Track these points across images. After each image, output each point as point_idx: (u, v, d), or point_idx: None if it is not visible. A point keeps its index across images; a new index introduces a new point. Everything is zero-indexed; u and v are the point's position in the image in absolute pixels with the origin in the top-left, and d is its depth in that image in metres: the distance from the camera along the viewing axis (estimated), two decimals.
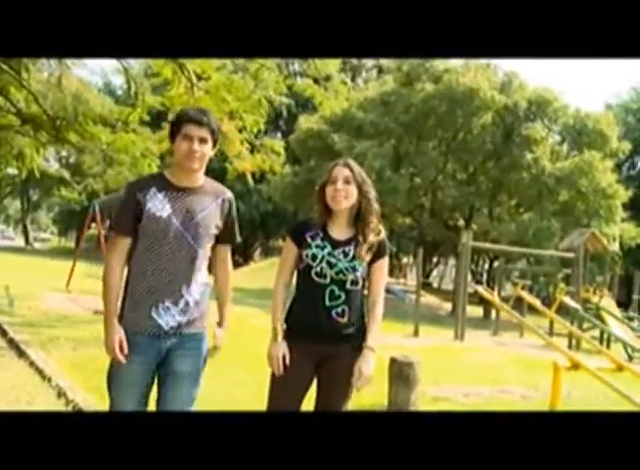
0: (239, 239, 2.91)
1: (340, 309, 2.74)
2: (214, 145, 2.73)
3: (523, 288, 14.22)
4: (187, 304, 2.69)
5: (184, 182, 2.72)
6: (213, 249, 2.82)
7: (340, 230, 2.82)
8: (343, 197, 2.76)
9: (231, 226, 2.85)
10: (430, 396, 6.02)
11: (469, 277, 16.37)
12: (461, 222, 25.39)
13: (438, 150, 24.44)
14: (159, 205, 2.66)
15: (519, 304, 14.25)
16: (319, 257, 2.75)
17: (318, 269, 2.74)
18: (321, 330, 2.72)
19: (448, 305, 24.00)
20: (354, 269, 2.75)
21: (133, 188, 2.71)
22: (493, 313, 17.78)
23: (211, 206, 2.75)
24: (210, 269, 2.84)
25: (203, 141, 2.66)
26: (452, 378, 7.32)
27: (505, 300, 14.06)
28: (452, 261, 40.39)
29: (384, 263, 2.85)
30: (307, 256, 2.76)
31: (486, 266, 31.67)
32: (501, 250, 19.28)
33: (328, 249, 2.77)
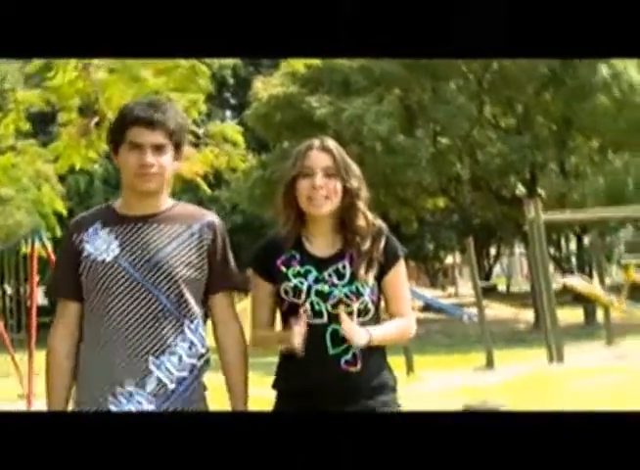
0: (239, 279, 2.52)
1: (349, 356, 2.33)
2: (178, 150, 2.35)
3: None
4: (161, 384, 2.29)
5: (138, 210, 2.31)
6: (208, 301, 2.40)
7: (323, 242, 2.38)
8: (325, 197, 2.32)
9: (221, 262, 2.40)
10: None
11: (550, 267, 14.29)
12: (520, 190, 21.87)
13: (467, 91, 20.30)
14: (101, 245, 2.29)
15: (636, 292, 13.15)
16: (304, 288, 2.33)
17: (307, 307, 2.33)
18: (329, 390, 2.29)
19: (529, 314, 21.84)
20: (358, 293, 2.33)
21: (70, 230, 2.37)
22: (599, 314, 16.23)
23: (181, 237, 2.33)
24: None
25: (158, 149, 2.27)
26: None
27: (614, 290, 13.24)
28: (520, 249, 38.15)
29: (399, 271, 2.41)
30: (287, 292, 2.34)
31: (573, 247, 28.15)
32: (590, 218, 16.66)
33: (313, 273, 2.34)
